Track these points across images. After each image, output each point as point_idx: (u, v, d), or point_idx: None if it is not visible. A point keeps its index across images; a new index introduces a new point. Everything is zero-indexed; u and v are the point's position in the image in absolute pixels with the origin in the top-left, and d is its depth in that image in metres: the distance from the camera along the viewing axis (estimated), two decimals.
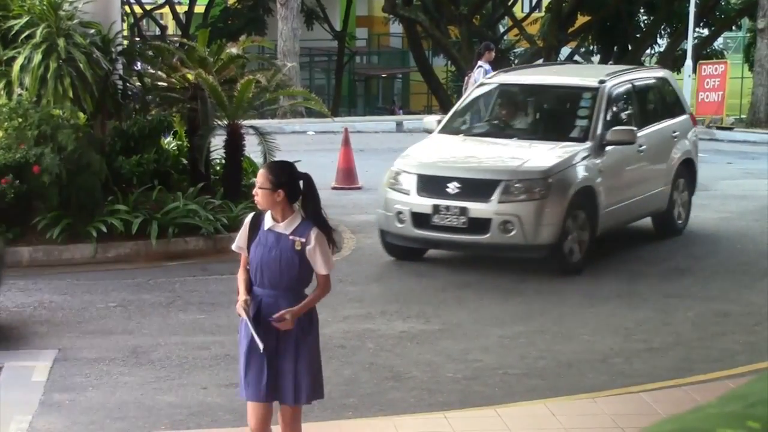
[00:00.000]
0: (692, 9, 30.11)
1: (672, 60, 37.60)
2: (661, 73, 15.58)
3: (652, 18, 39.91)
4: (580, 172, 12.26)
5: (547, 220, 11.73)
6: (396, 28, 49.60)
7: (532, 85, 14.20)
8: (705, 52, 37.81)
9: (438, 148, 13.10)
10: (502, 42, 44.91)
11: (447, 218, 11.84)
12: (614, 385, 8.60)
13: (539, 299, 11.24)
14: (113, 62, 13.64)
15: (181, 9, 42.18)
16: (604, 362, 9.22)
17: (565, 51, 43.35)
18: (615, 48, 40.65)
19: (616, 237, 13.57)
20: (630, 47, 39.72)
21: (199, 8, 41.14)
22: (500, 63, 42.30)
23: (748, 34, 40.47)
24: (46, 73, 12.78)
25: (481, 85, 14.46)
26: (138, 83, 14.21)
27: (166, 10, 42.52)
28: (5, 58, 13.27)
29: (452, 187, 11.89)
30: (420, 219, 11.98)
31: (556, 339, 9.88)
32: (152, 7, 42.00)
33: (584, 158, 12.30)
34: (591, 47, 43.21)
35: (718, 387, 8.43)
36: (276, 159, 11.35)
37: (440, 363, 9.13)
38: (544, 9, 42.78)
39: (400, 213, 12.12)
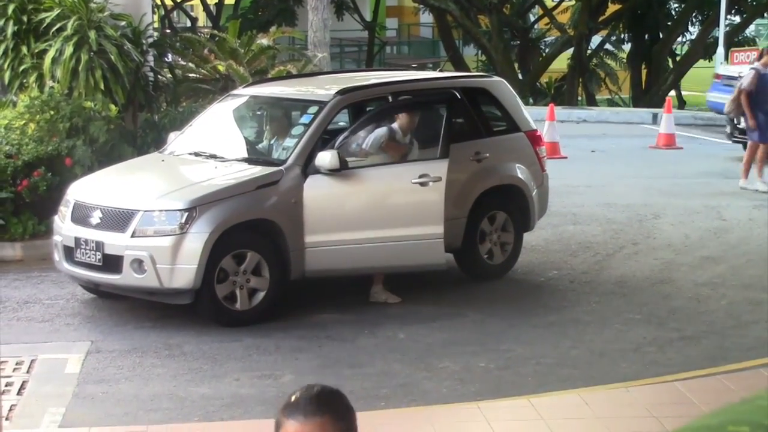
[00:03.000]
0: None
1: (704, 47, 37.44)
2: (483, 82, 12.62)
3: (683, 6, 39.72)
4: (252, 203, 10.19)
5: (185, 260, 9.68)
6: (426, 18, 49.58)
7: (266, 97, 11.91)
8: (737, 39, 37.62)
9: (122, 168, 11.46)
10: (532, 31, 44.86)
11: (86, 253, 10.10)
12: (648, 374, 8.57)
13: (571, 288, 11.20)
14: (144, 54, 13.67)
15: (212, 0, 42.25)
16: (637, 351, 9.19)
17: (596, 40, 43.26)
18: (646, 36, 40.51)
19: (646, 225, 13.49)
20: (661, 35, 39.58)
21: (230, 0, 41.20)
22: (530, 52, 42.52)
23: None
24: (77, 65, 12.85)
25: (233, 96, 12.31)
26: (169, 75, 14.23)
27: (197, 1, 42.67)
28: (37, 51, 13.34)
29: (95, 217, 10.15)
30: (68, 252, 10.31)
31: (588, 329, 9.85)
32: None
33: (267, 185, 10.22)
34: (622, 35, 43.08)
35: (752, 376, 8.39)
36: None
37: (473, 353, 9.12)
38: None
39: (55, 244, 10.56)
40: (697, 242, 13.16)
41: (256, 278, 9.99)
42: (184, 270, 9.65)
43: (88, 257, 10.03)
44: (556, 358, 8.99)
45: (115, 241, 9.85)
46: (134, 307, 10.34)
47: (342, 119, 11.98)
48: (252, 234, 10.14)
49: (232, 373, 8.61)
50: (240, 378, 8.49)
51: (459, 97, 11.57)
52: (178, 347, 9.24)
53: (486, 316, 10.20)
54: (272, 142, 11.11)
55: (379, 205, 10.62)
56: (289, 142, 10.72)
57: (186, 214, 9.72)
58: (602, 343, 9.39)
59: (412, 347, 9.27)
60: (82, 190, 10.60)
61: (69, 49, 12.82)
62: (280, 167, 10.29)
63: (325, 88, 11.49)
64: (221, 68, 14.07)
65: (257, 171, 10.36)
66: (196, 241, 9.66)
